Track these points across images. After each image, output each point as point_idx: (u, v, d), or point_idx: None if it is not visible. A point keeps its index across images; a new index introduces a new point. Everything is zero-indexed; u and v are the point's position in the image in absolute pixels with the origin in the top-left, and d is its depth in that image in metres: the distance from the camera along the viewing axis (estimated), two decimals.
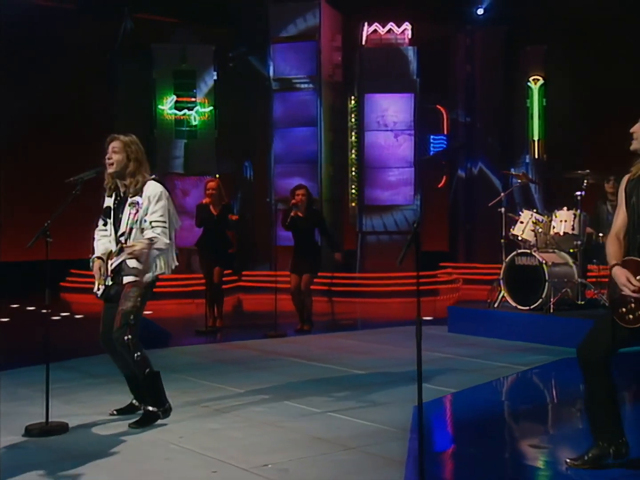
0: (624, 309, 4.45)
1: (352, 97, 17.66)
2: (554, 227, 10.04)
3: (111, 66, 18.27)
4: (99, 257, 6.00)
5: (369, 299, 15.69)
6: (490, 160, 19.22)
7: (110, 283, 5.93)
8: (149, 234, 5.77)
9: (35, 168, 17.86)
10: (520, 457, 5.42)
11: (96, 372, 8.04)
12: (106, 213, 6.05)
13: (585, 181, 10.09)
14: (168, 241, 5.82)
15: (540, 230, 10.14)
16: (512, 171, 11.00)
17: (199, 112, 17.34)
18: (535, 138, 18.66)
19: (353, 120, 17.56)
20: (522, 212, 10.55)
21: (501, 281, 10.22)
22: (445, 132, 18.61)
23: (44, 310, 6.08)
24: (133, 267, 5.81)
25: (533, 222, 10.19)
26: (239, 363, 8.48)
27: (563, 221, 9.97)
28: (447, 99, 19.21)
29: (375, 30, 17.18)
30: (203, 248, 11.14)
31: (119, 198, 5.99)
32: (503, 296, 10.18)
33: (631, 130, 4.66)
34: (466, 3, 19.34)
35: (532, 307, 9.80)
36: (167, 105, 17.21)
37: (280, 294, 15.02)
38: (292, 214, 10.54)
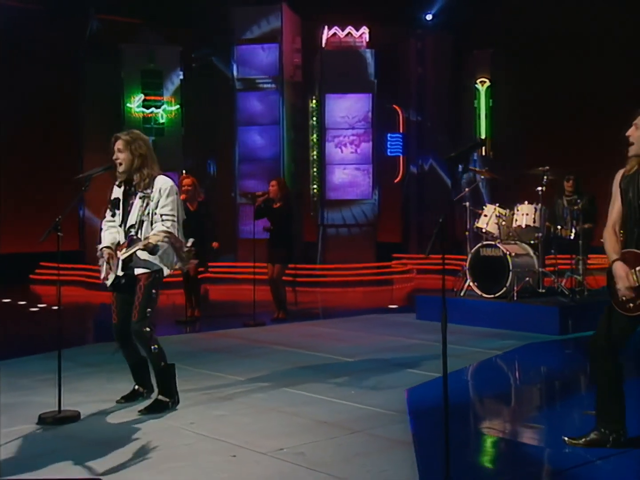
0: (624, 298, 4.50)
1: (313, 97, 17.58)
2: (516, 220, 10.15)
3: (79, 65, 17.95)
4: (107, 247, 5.89)
5: (330, 289, 15.70)
6: (440, 157, 19.38)
7: (121, 273, 5.83)
8: (159, 227, 5.67)
9: (3, 165, 17.46)
10: (520, 435, 5.45)
11: (89, 361, 7.91)
12: (115, 204, 5.93)
13: (545, 177, 10.20)
14: (163, 235, 5.65)
15: (503, 223, 10.24)
16: (477, 168, 10.97)
17: (166, 111, 17.15)
18: (483, 136, 18.88)
19: (314, 119, 17.48)
20: (486, 205, 10.62)
21: (467, 271, 10.29)
22: (401, 131, 18.67)
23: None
24: (144, 259, 5.72)
25: (496, 216, 10.28)
26: (228, 351, 8.39)
27: (525, 214, 10.09)
28: (402, 99, 19.27)
29: (334, 34, 17.16)
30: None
31: (129, 190, 5.89)
32: (469, 285, 10.25)
33: (627, 134, 4.66)
34: (417, 9, 19.47)
35: (496, 295, 9.89)
36: (135, 104, 16.99)
37: (246, 284, 15.03)
38: (257, 201, 10.52)
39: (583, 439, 4.73)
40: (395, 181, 18.94)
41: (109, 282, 5.94)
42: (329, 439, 5.11)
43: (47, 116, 17.40)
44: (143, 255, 5.70)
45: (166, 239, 5.62)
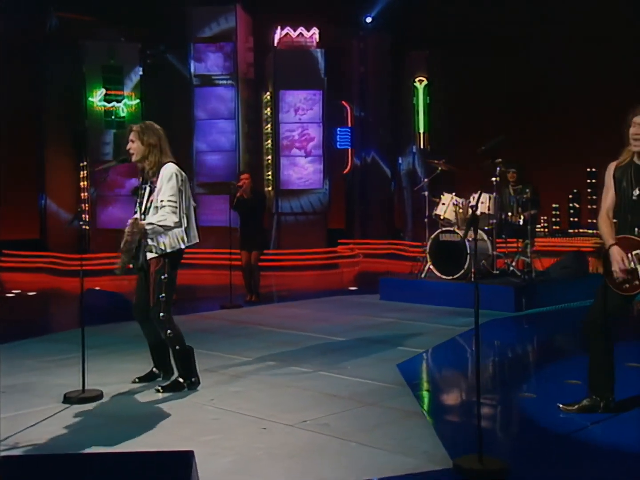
0: (619, 279, 4.62)
1: (268, 93, 17.50)
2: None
3: (39, 61, 17.48)
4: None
5: (285, 272, 15.71)
6: (381, 150, 19.57)
7: (134, 258, 5.73)
8: (158, 213, 5.52)
9: None
10: (517, 404, 5.53)
11: (91, 344, 7.69)
12: (135, 193, 5.85)
13: (498, 169, 10.39)
14: (177, 219, 5.49)
15: (460, 210, 10.41)
16: (435, 161, 11.06)
17: (127, 105, 16.87)
18: (421, 131, 19.11)
19: (269, 113, 17.41)
20: (444, 194, 10.74)
21: (427, 255, 10.44)
22: (349, 125, 18.74)
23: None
24: (151, 244, 5.62)
25: (453, 204, 10.44)
26: (219, 332, 8.30)
27: (481, 202, 10.28)
28: (349, 96, 19.33)
29: (287, 34, 17.12)
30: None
31: (142, 180, 5.81)
32: (429, 268, 10.40)
33: (632, 132, 4.66)
34: (359, 12, 19.54)
35: (455, 276, 10.08)
36: (96, 98, 16.63)
37: (204, 269, 14.94)
38: (237, 194, 10.47)
39: (576, 406, 4.87)
40: (344, 172, 19.04)
41: (132, 264, 5.83)
42: (346, 411, 5.14)
43: (8, 111, 16.90)
44: (149, 240, 5.60)
45: (149, 227, 5.46)
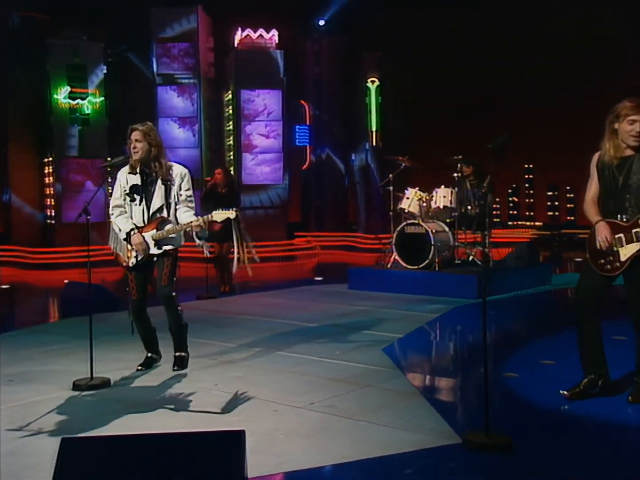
0: (602, 260, 4.72)
1: (230, 92, 17.42)
2: (435, 202, 10.50)
3: (2, 59, 17.03)
4: (134, 229, 5.75)
5: (248, 264, 15.65)
6: (335, 147, 19.66)
7: (158, 251, 5.73)
8: (189, 213, 5.69)
9: None
10: (503, 383, 5.60)
11: (81, 334, 7.53)
12: (135, 190, 5.82)
13: (459, 165, 10.60)
14: (200, 222, 5.64)
15: (424, 204, 10.57)
16: (400, 157, 11.15)
17: (91, 102, 16.50)
18: (373, 129, 19.22)
19: (230, 111, 17.34)
20: (408, 189, 10.84)
21: (393, 246, 10.57)
22: (308, 123, 18.78)
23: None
24: (172, 237, 5.71)
25: (417, 198, 10.59)
26: (201, 322, 8.18)
27: (442, 197, 10.46)
28: (308, 95, 19.36)
29: (247, 35, 17.07)
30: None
31: (148, 178, 5.78)
32: (395, 258, 10.55)
33: (629, 129, 4.64)
34: (313, 15, 19.57)
35: (420, 266, 10.24)
36: (61, 95, 16.27)
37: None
38: (208, 186, 10.52)
39: (577, 389, 4.83)
40: (303, 168, 19.07)
41: (132, 262, 5.83)
42: (348, 393, 5.22)
43: None
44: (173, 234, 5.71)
45: (201, 226, 5.59)
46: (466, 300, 9.40)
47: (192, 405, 4.99)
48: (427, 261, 10.13)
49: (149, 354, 6.10)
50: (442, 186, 10.54)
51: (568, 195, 21.18)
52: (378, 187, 19.12)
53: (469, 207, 10.70)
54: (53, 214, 16.65)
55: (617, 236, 4.66)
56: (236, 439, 3.15)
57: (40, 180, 17.34)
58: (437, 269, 10.11)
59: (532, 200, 22.67)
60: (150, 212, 5.74)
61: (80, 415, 4.83)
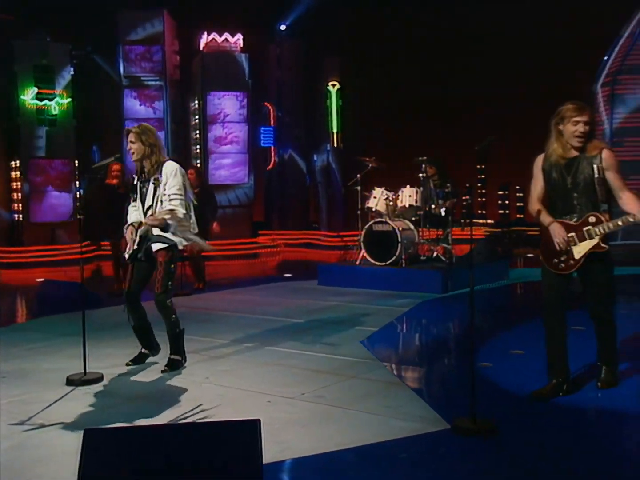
0: (556, 260, 4.75)
1: (196, 94, 17.35)
2: (401, 201, 10.66)
3: None
4: (131, 224, 5.79)
5: (215, 262, 15.64)
6: (297, 148, 19.72)
7: (136, 247, 5.74)
8: (167, 205, 5.62)
9: None
10: (479, 372, 5.52)
11: (64, 331, 7.53)
12: (132, 190, 5.84)
13: (423, 165, 10.75)
14: (185, 211, 5.63)
15: (390, 203, 10.71)
16: (367, 158, 11.26)
17: (59, 103, 16.27)
18: (334, 131, 19.32)
19: (197, 113, 17.28)
20: (375, 189, 10.95)
21: (361, 244, 10.68)
22: (272, 125, 18.81)
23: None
24: (158, 235, 5.67)
25: (384, 198, 10.73)
26: (182, 318, 7.80)
27: (408, 196, 10.62)
28: (272, 98, 19.38)
29: (213, 39, 17.03)
30: (112, 223, 10.58)
31: (143, 177, 5.80)
32: (363, 255, 10.66)
33: (573, 129, 4.68)
34: (276, 19, 19.59)
35: (387, 263, 10.37)
36: (29, 96, 16.01)
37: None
38: None
39: (546, 391, 4.82)
40: (268, 168, 19.10)
41: (127, 255, 5.84)
42: (335, 384, 5.31)
43: None
44: (156, 231, 5.67)
45: (168, 216, 5.58)
46: (432, 295, 9.59)
47: (186, 398, 5.02)
48: (394, 258, 10.28)
49: (143, 350, 6.08)
50: (408, 186, 10.69)
51: (518, 194, 21.55)
52: (339, 187, 19.31)
53: (433, 206, 10.88)
54: (21, 214, 16.38)
55: (569, 235, 4.69)
56: (252, 427, 3.22)
57: (7, 180, 17.03)
58: (403, 265, 10.26)
59: (484, 199, 23.04)
60: (144, 210, 5.73)
61: (79, 409, 4.82)
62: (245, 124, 16.97)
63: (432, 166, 11.18)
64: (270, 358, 6.20)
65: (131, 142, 5.71)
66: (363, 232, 10.64)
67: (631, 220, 4.52)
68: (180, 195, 5.64)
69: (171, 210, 5.58)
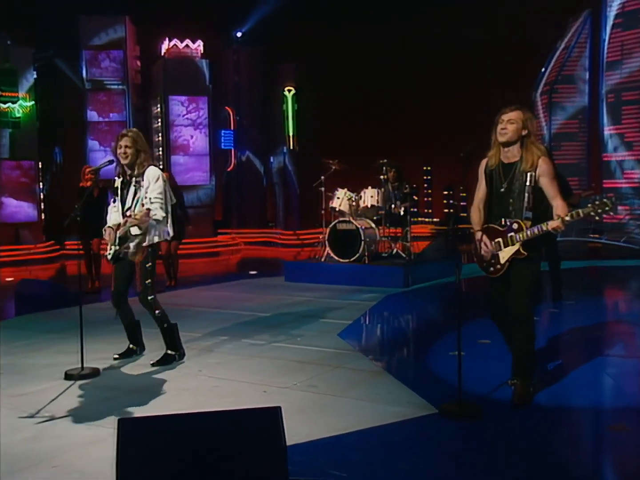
0: (485, 264, 4.72)
1: (158, 98, 17.22)
2: (364, 201, 10.82)
3: None
4: (109, 227, 5.80)
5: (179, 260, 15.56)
6: (254, 150, 19.75)
7: (117, 247, 5.75)
8: (148, 207, 5.64)
9: None
10: (452, 360, 5.64)
11: (50, 329, 7.47)
12: (115, 192, 5.83)
13: (384, 168, 10.94)
14: (164, 214, 5.67)
15: (353, 203, 10.86)
16: (330, 160, 11.37)
17: (22, 106, 15.99)
18: (290, 134, 19.40)
19: (160, 117, 17.15)
20: (338, 190, 11.05)
21: (326, 242, 10.79)
22: (232, 128, 18.78)
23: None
24: (136, 234, 5.67)
25: (347, 198, 10.86)
26: None
27: (370, 197, 10.79)
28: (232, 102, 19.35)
29: (175, 45, 16.93)
30: (83, 224, 10.45)
31: (124, 180, 5.80)
32: (328, 253, 10.79)
33: (499, 127, 4.62)
34: (233, 26, 19.57)
35: (351, 259, 10.53)
36: None
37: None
38: None
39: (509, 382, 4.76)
40: (229, 169, 19.07)
41: (109, 256, 5.85)
42: (323, 374, 5.41)
43: None
44: (134, 230, 5.67)
45: (146, 217, 5.59)
46: (395, 289, 9.77)
47: (185, 389, 5.08)
48: (357, 255, 10.44)
49: (130, 345, 6.12)
50: (370, 187, 10.87)
51: (462, 194, 22.02)
52: (295, 187, 19.41)
53: (393, 206, 11.08)
54: None
55: (495, 240, 4.62)
56: (274, 414, 3.31)
57: None
58: (366, 261, 10.43)
59: (430, 199, 23.48)
60: (123, 211, 5.73)
61: (83, 402, 4.85)
62: (206, 127, 16.92)
63: (392, 169, 11.37)
64: (255, 351, 6.26)
65: (126, 146, 5.68)
66: (327, 231, 10.76)
67: (544, 229, 4.43)
68: (161, 199, 5.63)
69: (149, 209, 5.59)
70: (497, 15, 17.28)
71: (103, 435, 4.14)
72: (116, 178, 5.86)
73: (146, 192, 5.67)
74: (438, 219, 22.77)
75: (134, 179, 5.73)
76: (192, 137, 16.84)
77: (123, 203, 5.78)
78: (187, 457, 3.10)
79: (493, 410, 4.54)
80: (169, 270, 10.62)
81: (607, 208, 4.27)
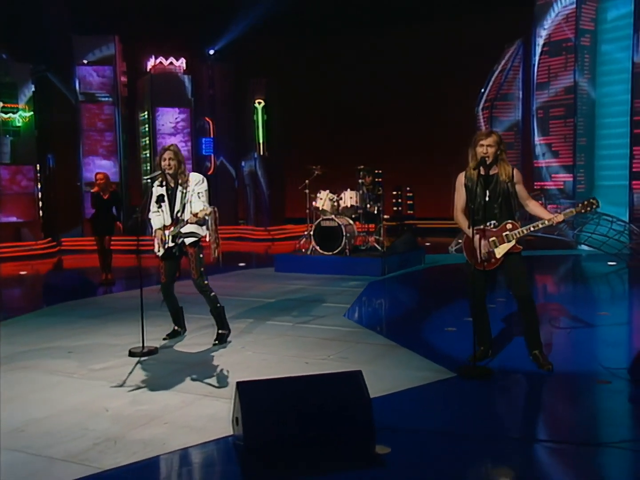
0: (479, 259, 4.98)
1: (145, 110, 17.21)
2: (344, 202, 11.22)
3: None
4: (159, 228, 6.04)
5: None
6: (228, 156, 19.89)
7: (172, 244, 6.01)
8: (199, 205, 5.83)
9: None
10: (441, 338, 6.25)
11: (90, 315, 7.57)
12: (160, 199, 6.03)
13: (361, 173, 11.36)
14: (210, 211, 5.88)
15: (335, 203, 11.24)
16: (313, 166, 11.68)
17: (22, 116, 15.80)
18: (260, 141, 19.58)
19: (146, 127, 17.16)
20: (321, 192, 11.41)
21: (312, 237, 11.13)
22: (212, 136, 18.87)
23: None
24: (191, 232, 5.95)
25: (329, 199, 11.24)
26: (181, 301, 8.20)
27: (349, 198, 11.20)
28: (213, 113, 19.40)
29: (160, 62, 16.96)
30: (97, 223, 10.54)
31: (170, 187, 6.03)
32: (313, 246, 11.14)
33: (480, 151, 4.92)
34: (205, 44, 19.61)
35: (334, 252, 10.92)
36: None
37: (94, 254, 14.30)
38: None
39: (474, 357, 4.96)
40: (209, 173, 19.11)
41: (160, 253, 6.10)
42: (349, 348, 5.72)
43: None
44: (188, 228, 5.92)
45: (206, 215, 5.87)
46: (374, 277, 10.11)
47: (237, 362, 5.34)
48: (340, 248, 10.82)
49: (175, 327, 6.38)
50: (349, 189, 11.28)
51: (408, 194, 22.53)
52: (264, 189, 19.65)
53: (368, 206, 11.51)
54: None
55: (491, 239, 4.95)
56: (358, 376, 3.71)
57: None
58: (348, 254, 10.84)
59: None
60: (174, 214, 5.99)
61: (158, 373, 5.08)
62: (188, 135, 17.04)
63: (367, 174, 11.78)
64: (281, 330, 6.51)
65: (170, 159, 5.92)
66: (313, 227, 11.11)
67: (541, 225, 4.88)
68: (207, 198, 5.95)
69: (205, 209, 5.87)
70: (447, 42, 17.95)
71: (190, 399, 4.43)
72: (158, 187, 6.05)
73: (192, 192, 5.95)
74: (388, 216, 23.27)
75: (179, 186, 6.00)
76: (176, 143, 16.93)
77: (172, 207, 6.03)
78: (294, 410, 3.46)
79: (498, 372, 5.01)
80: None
81: (594, 207, 4.83)
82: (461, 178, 5.10)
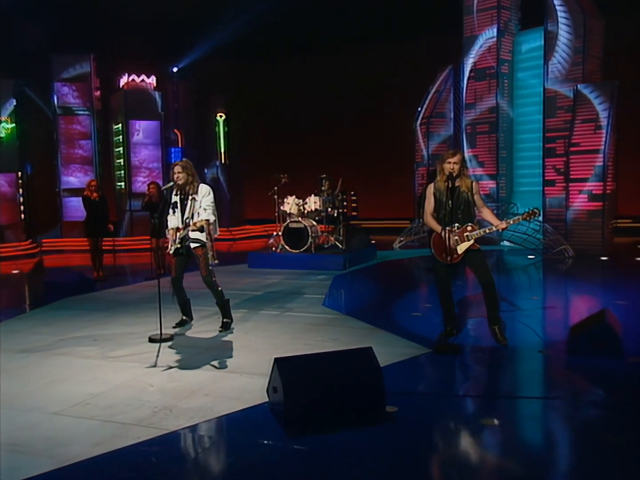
0: (444, 255, 5.40)
1: (119, 122, 17.08)
2: (309, 206, 11.59)
3: None
4: (171, 229, 6.30)
5: (138, 253, 15.57)
6: (193, 164, 19.90)
7: (179, 245, 6.27)
8: (203, 214, 6.14)
9: None
10: (410, 321, 6.67)
11: (93, 308, 7.66)
12: (175, 205, 6.29)
13: (322, 180, 11.76)
14: (215, 218, 6.21)
15: (301, 207, 11.60)
16: (281, 174, 11.97)
17: (5, 127, 15.49)
18: (222, 151, 19.75)
19: (120, 138, 17.03)
20: (288, 197, 11.73)
21: (281, 236, 11.46)
22: (180, 146, 18.86)
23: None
24: (195, 238, 6.23)
25: (296, 204, 11.59)
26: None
27: (314, 202, 11.59)
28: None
29: (133, 79, 16.88)
30: (89, 224, 10.60)
31: (182, 196, 6.30)
32: (282, 245, 11.47)
33: (447, 167, 5.34)
34: (169, 62, 19.55)
35: (301, 250, 11.29)
36: None
37: (72, 254, 14.19)
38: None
39: (442, 336, 5.49)
40: None
41: (172, 251, 6.34)
42: (336, 332, 6.02)
43: None
44: (194, 235, 6.23)
45: (203, 224, 6.17)
46: (337, 272, 10.50)
47: (247, 345, 5.63)
48: (306, 247, 11.20)
49: (183, 317, 6.63)
50: (312, 195, 11.67)
51: (352, 197, 23.04)
52: (226, 194, 19.81)
53: (329, 210, 11.93)
54: None
55: (455, 238, 5.40)
56: (369, 351, 4.12)
57: None
58: (313, 252, 11.24)
59: None
60: (184, 219, 6.26)
61: (181, 356, 5.31)
62: (159, 145, 17.04)
63: (328, 181, 12.18)
64: (272, 318, 6.76)
65: (179, 172, 6.20)
66: (282, 228, 11.44)
67: (493, 229, 5.41)
68: (212, 207, 6.21)
69: (207, 219, 6.17)
70: (389, 65, 18.56)
71: (219, 375, 4.73)
72: (174, 195, 6.31)
73: (200, 204, 6.23)
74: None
75: (190, 195, 6.27)
76: (148, 154, 16.92)
77: (183, 213, 6.29)
78: (323, 380, 3.85)
79: (466, 347, 5.52)
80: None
81: (536, 216, 5.42)
82: (431, 188, 5.54)
